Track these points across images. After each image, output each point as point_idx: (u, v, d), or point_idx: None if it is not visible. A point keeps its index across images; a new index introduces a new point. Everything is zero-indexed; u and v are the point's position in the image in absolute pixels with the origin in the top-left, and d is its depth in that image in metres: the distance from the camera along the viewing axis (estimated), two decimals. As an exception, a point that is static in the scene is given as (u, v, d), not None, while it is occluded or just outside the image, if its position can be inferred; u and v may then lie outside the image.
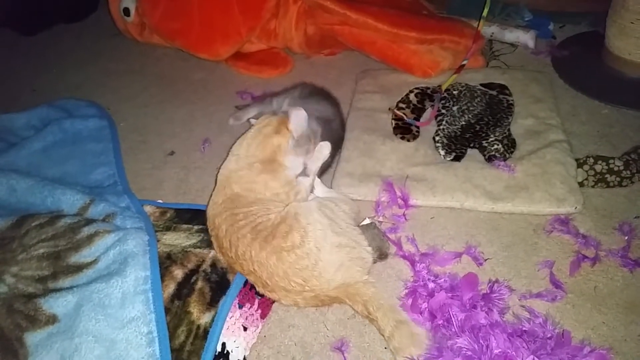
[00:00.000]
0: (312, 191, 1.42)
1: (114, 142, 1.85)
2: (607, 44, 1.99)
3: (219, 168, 1.38)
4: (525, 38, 2.18)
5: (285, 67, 2.19)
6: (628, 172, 1.51)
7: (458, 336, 1.11)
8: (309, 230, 1.18)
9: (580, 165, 1.55)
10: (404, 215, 1.48)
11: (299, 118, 1.34)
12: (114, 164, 1.75)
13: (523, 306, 1.22)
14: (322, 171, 1.52)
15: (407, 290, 1.27)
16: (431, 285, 1.23)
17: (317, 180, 1.46)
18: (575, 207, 1.44)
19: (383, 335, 1.14)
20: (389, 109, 1.81)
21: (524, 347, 1.08)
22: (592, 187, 1.53)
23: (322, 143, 1.42)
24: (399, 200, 1.50)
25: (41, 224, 1.38)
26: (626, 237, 1.38)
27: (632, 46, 1.90)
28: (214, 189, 1.37)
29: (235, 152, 1.38)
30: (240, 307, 1.23)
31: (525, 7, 2.32)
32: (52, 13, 2.64)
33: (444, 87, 1.83)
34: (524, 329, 1.12)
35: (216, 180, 1.37)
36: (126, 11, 2.32)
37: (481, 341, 1.09)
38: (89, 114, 1.97)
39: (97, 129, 1.90)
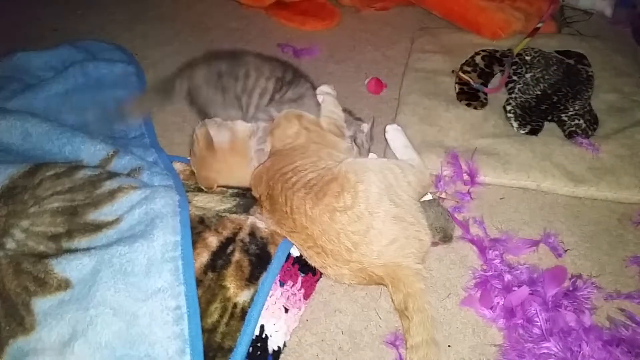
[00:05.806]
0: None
1: (142, 91, 1.66)
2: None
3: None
4: (603, 5, 1.96)
5: (331, 20, 1.98)
6: None
7: (543, 340, 0.93)
8: (359, 190, 1.04)
9: (673, 149, 1.35)
10: (469, 193, 1.29)
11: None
12: (140, 114, 1.56)
13: (622, 309, 1.03)
14: None
15: (476, 280, 1.09)
16: (507, 277, 1.05)
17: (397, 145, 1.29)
18: (668, 197, 1.25)
19: (406, 340, 0.96)
20: (452, 71, 1.60)
21: (624, 358, 0.90)
22: (687, 175, 1.32)
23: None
24: (465, 176, 1.30)
25: (57, 174, 1.21)
26: None
27: None
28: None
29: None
30: (282, 284, 1.06)
31: (602, -28, 2.07)
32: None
33: (515, 51, 1.61)
34: (621, 336, 0.94)
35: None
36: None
37: (572, 347, 0.91)
38: (114, 58, 1.78)
39: (124, 75, 1.71)
